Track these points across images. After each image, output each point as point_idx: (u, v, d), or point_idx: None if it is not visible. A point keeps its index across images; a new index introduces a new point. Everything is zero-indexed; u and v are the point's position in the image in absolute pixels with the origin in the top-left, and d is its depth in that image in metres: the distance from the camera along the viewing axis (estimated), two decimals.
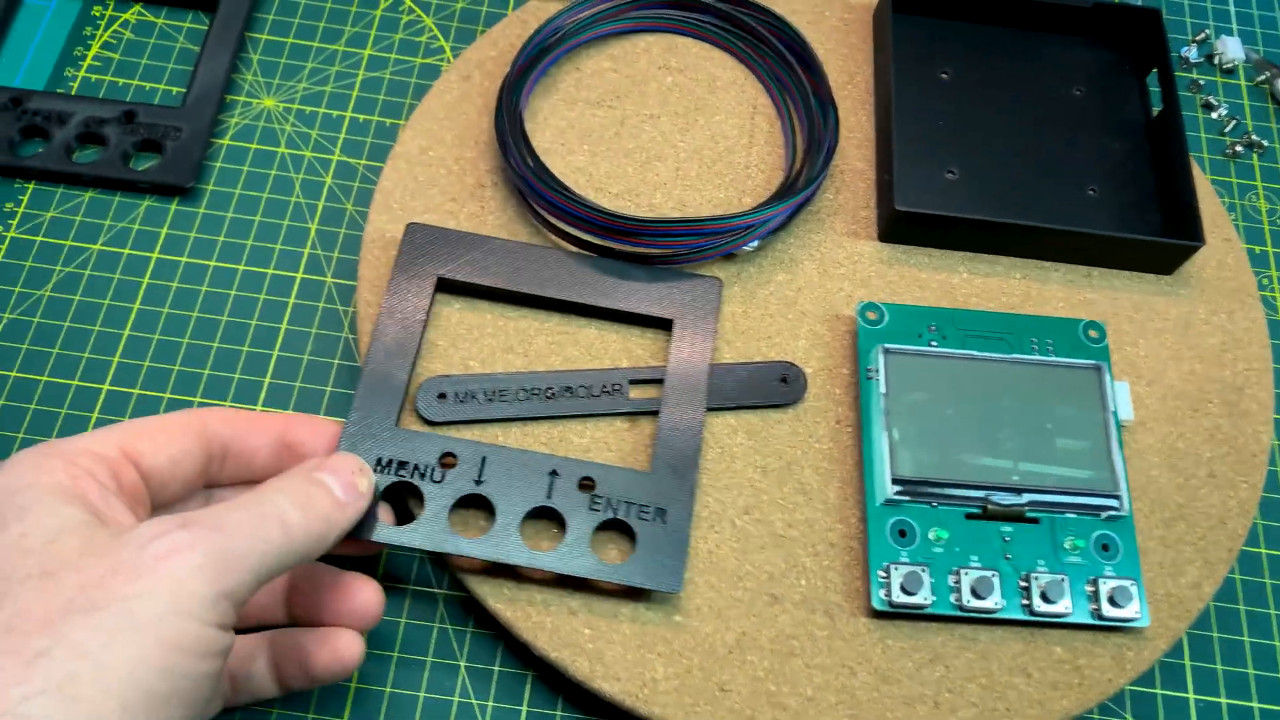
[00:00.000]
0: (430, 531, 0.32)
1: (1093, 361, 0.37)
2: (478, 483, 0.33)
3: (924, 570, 0.33)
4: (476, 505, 0.34)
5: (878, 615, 0.34)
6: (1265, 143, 0.47)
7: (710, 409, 0.36)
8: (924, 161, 0.41)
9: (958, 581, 0.33)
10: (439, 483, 0.33)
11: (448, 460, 0.34)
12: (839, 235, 0.40)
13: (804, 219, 0.40)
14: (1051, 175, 0.42)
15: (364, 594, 0.31)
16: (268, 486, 0.28)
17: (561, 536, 0.33)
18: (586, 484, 0.34)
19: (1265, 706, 0.37)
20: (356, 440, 0.33)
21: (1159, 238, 0.39)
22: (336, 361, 0.39)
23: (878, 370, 0.36)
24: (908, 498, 0.34)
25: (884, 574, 0.33)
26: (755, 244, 0.38)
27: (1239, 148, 0.47)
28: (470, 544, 0.32)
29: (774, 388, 0.37)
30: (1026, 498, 0.34)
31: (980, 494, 0.34)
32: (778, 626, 0.33)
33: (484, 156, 0.40)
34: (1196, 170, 0.42)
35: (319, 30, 0.46)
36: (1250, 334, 0.40)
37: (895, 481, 0.34)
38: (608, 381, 0.36)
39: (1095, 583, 0.34)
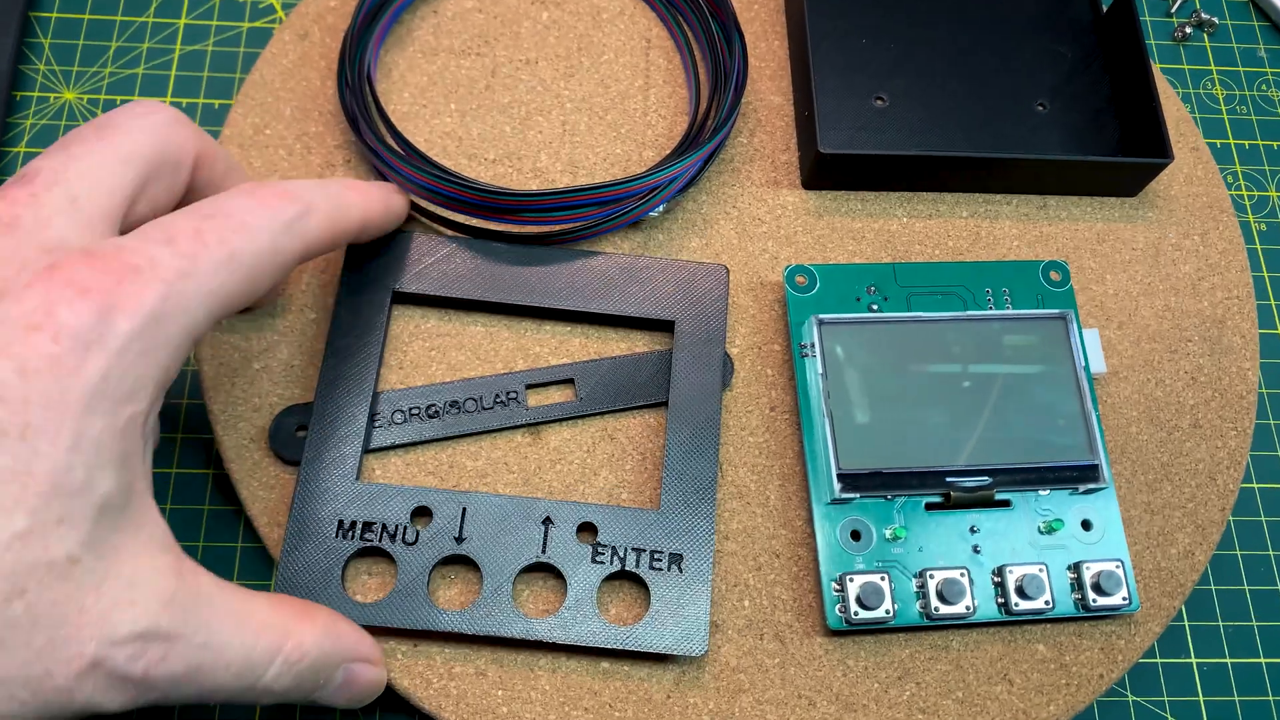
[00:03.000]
0: (407, 605, 0.27)
1: (1057, 310, 0.32)
2: (459, 540, 0.28)
3: (883, 579, 0.29)
4: (456, 563, 0.29)
5: (835, 634, 0.29)
6: (1216, 20, 0.42)
7: (619, 409, 0.31)
8: (848, 90, 0.36)
9: (923, 586, 0.29)
10: (413, 544, 0.28)
11: (421, 516, 0.28)
12: (758, 186, 0.35)
13: (716, 170, 0.35)
14: (994, 91, 0.36)
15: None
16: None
17: (560, 595, 0.28)
18: (586, 530, 0.29)
19: (1273, 660, 0.33)
20: (308, 501, 0.28)
21: (1121, 158, 0.34)
22: (185, 401, 0.33)
23: (812, 345, 0.31)
24: (858, 494, 0.29)
25: (838, 587, 0.29)
26: (661, 208, 0.33)
27: (1188, 29, 0.42)
28: (456, 617, 0.27)
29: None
30: (993, 478, 0.30)
31: (940, 480, 0.30)
32: (721, 659, 0.29)
33: (331, 129, 0.34)
34: (1155, 71, 0.37)
35: (120, 1, 0.38)
36: (1227, 257, 0.35)
37: (841, 478, 0.29)
38: (502, 390, 0.31)
39: (1078, 569, 0.29)
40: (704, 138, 0.33)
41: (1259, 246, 0.39)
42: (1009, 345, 0.31)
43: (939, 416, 0.30)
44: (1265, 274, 0.38)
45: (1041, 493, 0.30)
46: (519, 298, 0.31)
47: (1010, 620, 0.29)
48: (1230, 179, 0.40)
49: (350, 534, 0.28)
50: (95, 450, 0.20)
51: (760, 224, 0.34)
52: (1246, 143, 0.41)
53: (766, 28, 0.37)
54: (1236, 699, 0.33)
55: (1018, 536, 0.30)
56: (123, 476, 0.21)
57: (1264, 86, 0.42)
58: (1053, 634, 0.30)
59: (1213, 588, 0.34)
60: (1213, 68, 0.42)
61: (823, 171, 0.34)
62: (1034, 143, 0.35)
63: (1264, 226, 0.39)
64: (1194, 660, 0.33)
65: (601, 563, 0.28)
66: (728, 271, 0.32)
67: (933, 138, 0.35)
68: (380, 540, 0.28)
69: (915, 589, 0.29)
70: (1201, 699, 0.33)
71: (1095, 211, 0.35)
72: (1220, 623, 0.34)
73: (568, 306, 0.31)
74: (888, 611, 0.28)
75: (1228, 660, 0.33)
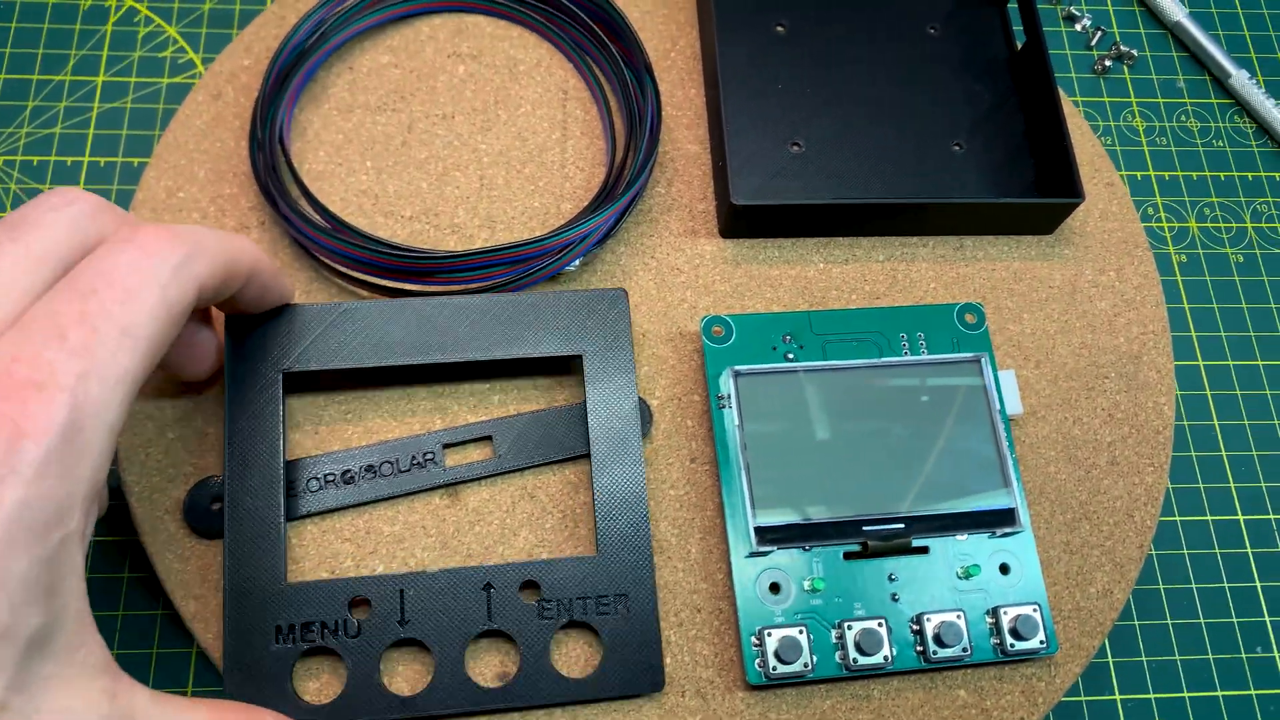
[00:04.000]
0: (363, 699, 0.27)
1: (972, 354, 0.32)
2: (402, 623, 0.28)
3: (801, 632, 0.29)
4: (405, 645, 0.28)
5: (755, 688, 0.29)
6: (1135, 52, 0.42)
7: (542, 463, 0.31)
8: (763, 136, 0.36)
9: (841, 637, 0.29)
10: (356, 636, 0.27)
11: (359, 606, 0.28)
12: (676, 236, 0.35)
13: (634, 220, 0.35)
14: (911, 133, 0.37)
15: None
16: None
17: (513, 658, 0.28)
18: (529, 588, 0.29)
19: (1196, 695, 0.33)
20: (241, 612, 0.27)
21: (1033, 199, 0.34)
22: None
23: (729, 396, 0.31)
24: (775, 546, 0.29)
25: (757, 641, 0.29)
26: (577, 262, 0.33)
27: (1108, 61, 0.42)
28: (414, 702, 0.27)
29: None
30: (910, 525, 0.30)
31: (857, 529, 0.30)
32: (642, 718, 0.29)
33: (246, 191, 0.34)
34: (1069, 107, 0.38)
35: (37, 59, 0.38)
36: (1142, 292, 0.35)
37: (758, 531, 0.29)
38: (418, 451, 0.31)
39: (996, 613, 0.30)
40: (620, 189, 0.33)
41: (1179, 278, 0.39)
42: (924, 390, 0.31)
43: (855, 465, 0.30)
44: (1185, 305, 0.39)
45: (959, 538, 0.30)
46: (419, 356, 0.30)
47: (930, 667, 0.29)
48: (1150, 210, 0.40)
49: (290, 637, 0.27)
50: (21, 588, 0.19)
51: (679, 274, 0.34)
52: (1166, 174, 0.41)
53: (684, 75, 0.37)
54: None
55: (936, 582, 0.30)
56: (52, 605, 0.19)
57: (1183, 117, 0.42)
58: (973, 679, 0.30)
59: (1135, 623, 0.34)
60: (1133, 99, 0.42)
61: (738, 220, 0.34)
62: (951, 184, 0.36)
63: (1184, 258, 0.40)
64: (1118, 697, 0.33)
65: (550, 618, 0.28)
66: (626, 294, 0.31)
67: (850, 182, 0.35)
68: (322, 638, 0.27)
69: (834, 640, 0.29)
70: None
71: (1012, 250, 0.36)
72: (1144, 658, 0.34)
73: (471, 357, 0.30)
74: (806, 665, 0.28)
75: (1151, 696, 0.33)
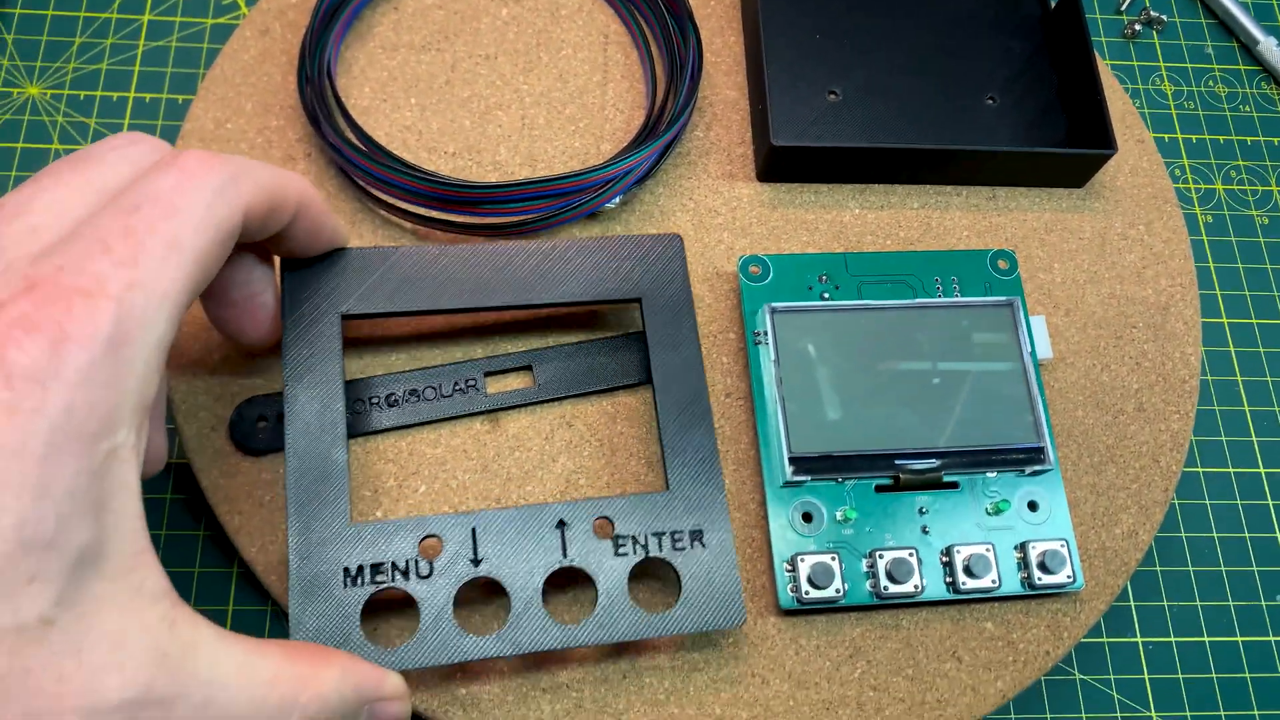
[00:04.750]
0: (439, 641, 0.26)
1: (1005, 298, 0.32)
2: (475, 563, 0.27)
3: (834, 559, 0.29)
4: (476, 589, 0.28)
5: (787, 613, 0.30)
6: (1165, 17, 0.43)
7: (580, 394, 0.32)
8: (801, 84, 0.36)
9: (873, 566, 0.30)
10: (428, 577, 0.27)
11: (429, 546, 0.27)
12: (714, 178, 0.35)
13: (672, 163, 0.35)
14: (945, 86, 0.37)
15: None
16: None
17: (591, 599, 0.28)
18: (603, 526, 0.28)
19: (1216, 639, 0.34)
20: (307, 556, 0.26)
21: (1066, 149, 0.35)
22: None
23: (766, 333, 0.32)
24: (809, 477, 0.30)
25: (790, 567, 0.29)
26: (618, 199, 0.33)
27: (1137, 26, 0.43)
28: (491, 642, 0.26)
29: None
30: (941, 460, 0.30)
31: (890, 463, 0.30)
32: (676, 639, 0.29)
33: (293, 124, 0.34)
34: (1102, 66, 0.38)
35: None
36: (1171, 246, 0.36)
37: (792, 461, 0.30)
38: (461, 378, 0.31)
39: (1024, 548, 0.30)
40: (660, 129, 0.34)
41: (1204, 238, 0.40)
42: (957, 332, 0.32)
43: (888, 401, 0.31)
44: (1211, 264, 0.39)
45: (989, 475, 0.31)
46: (475, 300, 0.29)
47: (958, 599, 0.30)
48: (1177, 172, 0.41)
49: (359, 580, 0.26)
50: (67, 497, 0.18)
51: (716, 215, 0.35)
52: (1194, 137, 0.42)
53: (723, 23, 0.38)
54: (1180, 677, 0.33)
55: (966, 518, 0.31)
56: (103, 521, 0.19)
57: (1210, 83, 0.43)
58: (1000, 612, 0.31)
59: (1158, 569, 0.35)
60: (1161, 64, 0.43)
61: (776, 164, 0.34)
62: (984, 136, 0.36)
63: (1210, 219, 0.40)
64: (1139, 639, 0.34)
65: (625, 554, 0.28)
66: (681, 239, 0.31)
67: (885, 131, 0.36)
68: (393, 579, 0.26)
69: (865, 569, 0.30)
70: (1147, 677, 0.33)
71: (1043, 202, 0.36)
72: (1165, 603, 0.34)
73: (528, 301, 0.30)
74: (838, 590, 0.29)
75: (1172, 639, 0.34)
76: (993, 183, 0.36)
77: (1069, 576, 0.30)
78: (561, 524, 0.28)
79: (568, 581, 0.29)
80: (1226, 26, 0.43)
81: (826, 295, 0.33)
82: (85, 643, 0.18)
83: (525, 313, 0.32)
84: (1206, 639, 0.34)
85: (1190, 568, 0.35)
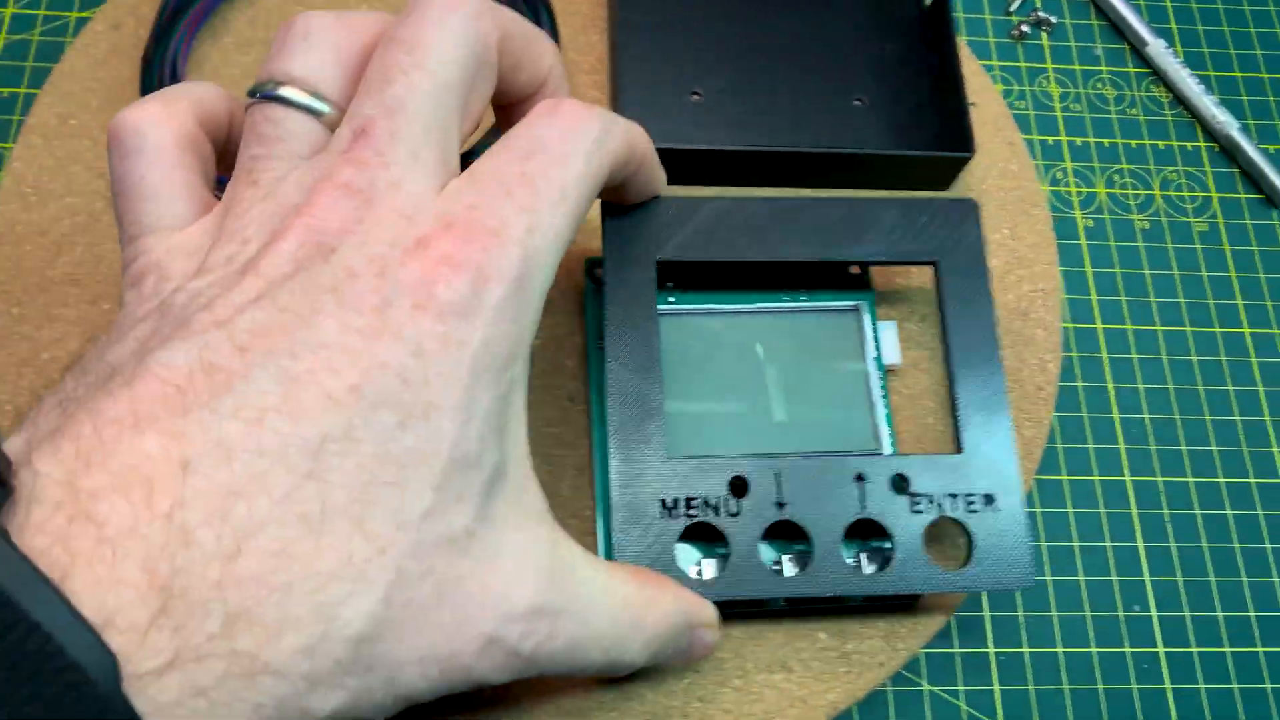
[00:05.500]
0: (747, 576, 0.27)
1: (851, 303, 0.32)
2: (779, 506, 0.28)
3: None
4: (777, 535, 0.29)
5: None
6: (1054, 19, 0.42)
7: None
8: (662, 84, 0.36)
9: (700, 572, 0.29)
10: (736, 515, 0.28)
11: (738, 486, 0.28)
12: None
13: None
14: (813, 87, 0.37)
15: None
16: None
17: (880, 550, 0.28)
18: (899, 483, 0.29)
19: (1069, 650, 0.34)
20: (628, 486, 0.27)
21: (920, 152, 0.34)
22: None
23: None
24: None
25: None
26: None
27: (1025, 27, 0.42)
28: (796, 583, 0.27)
29: None
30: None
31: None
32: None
33: None
34: (975, 66, 0.38)
35: None
36: (1037, 250, 0.36)
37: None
38: None
39: (858, 558, 0.30)
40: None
41: (1083, 242, 0.39)
42: (803, 336, 0.32)
43: (731, 406, 0.31)
44: (1088, 269, 0.39)
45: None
46: (781, 251, 0.30)
47: (793, 608, 0.30)
48: (1059, 175, 0.40)
49: (674, 511, 0.28)
50: (485, 421, 0.20)
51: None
52: (1078, 139, 0.41)
53: (587, 22, 0.37)
54: (1031, 688, 0.33)
55: None
56: (505, 446, 0.21)
57: (1099, 85, 0.42)
58: (836, 622, 0.30)
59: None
60: (1049, 65, 0.42)
61: None
62: (850, 138, 0.36)
63: (1090, 222, 0.40)
64: (991, 650, 0.34)
65: (920, 512, 0.28)
66: (978, 205, 0.31)
67: (747, 133, 0.36)
68: (705, 514, 0.28)
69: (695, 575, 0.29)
70: (997, 687, 0.33)
71: None
72: (1020, 613, 0.34)
73: (832, 255, 0.30)
74: None
75: (1025, 650, 0.34)
76: (854, 186, 0.36)
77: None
78: (860, 478, 0.28)
79: (867, 531, 0.29)
80: (1117, 28, 0.43)
81: (673, 300, 0.32)
82: (497, 556, 0.20)
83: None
84: (1060, 650, 0.34)
85: (1049, 577, 0.35)
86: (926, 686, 0.33)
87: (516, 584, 0.21)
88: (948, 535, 0.30)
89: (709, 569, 0.28)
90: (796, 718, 0.29)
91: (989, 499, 0.29)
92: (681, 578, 0.27)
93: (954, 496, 0.29)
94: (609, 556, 0.29)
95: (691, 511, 0.28)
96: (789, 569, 0.28)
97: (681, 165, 0.34)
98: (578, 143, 0.23)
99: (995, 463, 0.29)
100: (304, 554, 0.18)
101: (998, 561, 0.28)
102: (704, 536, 0.29)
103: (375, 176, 0.21)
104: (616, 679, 0.28)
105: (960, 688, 0.33)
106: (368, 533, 0.18)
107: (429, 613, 0.19)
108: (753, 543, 0.27)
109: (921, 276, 0.35)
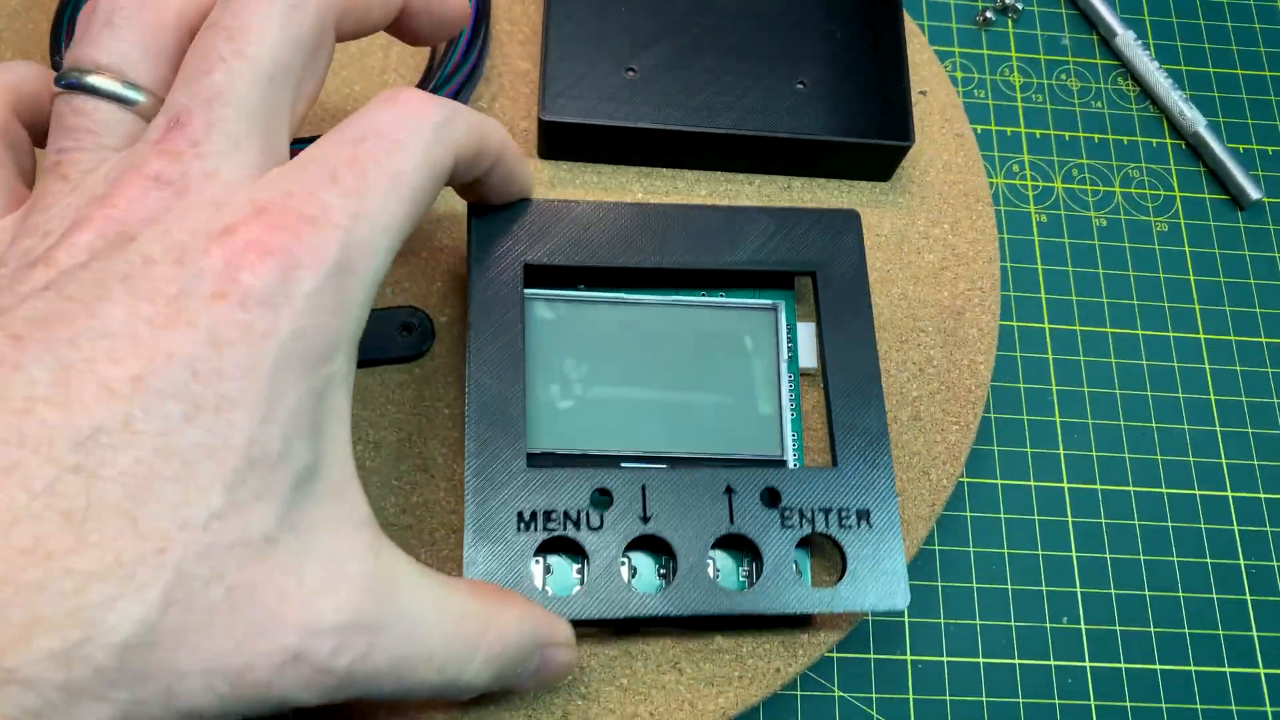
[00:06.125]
0: (608, 594, 0.26)
1: (769, 301, 0.31)
2: (644, 520, 0.27)
3: (538, 561, 0.28)
4: (644, 549, 0.28)
5: None
6: (1020, 5, 0.41)
7: None
8: (595, 58, 0.34)
9: (550, 589, 0.28)
10: (598, 529, 0.27)
11: (602, 498, 0.27)
12: None
13: None
14: (756, 68, 0.35)
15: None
16: None
17: (752, 568, 0.27)
18: (769, 496, 0.28)
19: (991, 660, 0.33)
20: (483, 495, 0.26)
21: (856, 139, 0.33)
22: None
23: None
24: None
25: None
26: None
27: (990, 14, 0.41)
28: (657, 601, 0.26)
29: (393, 339, 0.31)
30: (671, 466, 0.29)
31: (617, 465, 0.29)
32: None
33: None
34: (929, 54, 0.36)
35: None
36: (976, 247, 0.34)
37: (529, 456, 0.28)
38: None
39: (751, 565, 0.29)
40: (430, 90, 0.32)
41: (1036, 238, 0.38)
42: (715, 332, 0.30)
43: (633, 400, 0.29)
44: (1039, 266, 0.38)
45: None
46: (654, 258, 0.29)
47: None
48: (1016, 168, 0.39)
49: (532, 525, 0.27)
50: (291, 419, 0.19)
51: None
52: (1038, 132, 0.40)
53: None
54: (948, 698, 0.32)
55: None
56: (319, 444, 0.20)
57: (1064, 76, 0.41)
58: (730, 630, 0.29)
59: (939, 584, 0.33)
60: (1013, 54, 0.41)
61: (553, 141, 0.33)
62: (789, 123, 0.34)
63: (1044, 218, 0.38)
64: (909, 657, 0.32)
65: (791, 527, 0.27)
66: (859, 216, 0.30)
67: (682, 112, 0.34)
68: (565, 528, 0.27)
69: (574, 573, 0.28)
70: (911, 696, 0.32)
71: (842, 195, 0.34)
72: (942, 620, 0.33)
73: (705, 264, 0.29)
74: (547, 591, 0.28)
75: (944, 659, 0.32)
76: (791, 172, 0.34)
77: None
78: (729, 490, 0.27)
79: (728, 549, 0.29)
80: (1087, 18, 0.41)
81: (583, 286, 0.31)
82: (304, 563, 0.19)
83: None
84: (981, 660, 0.33)
85: (974, 584, 0.33)
86: (838, 693, 0.32)
87: (327, 594, 0.19)
88: (825, 553, 0.29)
89: (565, 586, 0.27)
90: None
91: (864, 515, 0.28)
92: (535, 595, 0.26)
93: (827, 512, 0.28)
94: None
95: (550, 525, 0.26)
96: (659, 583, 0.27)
97: (612, 143, 0.33)
98: (415, 130, 0.22)
99: (872, 479, 0.28)
100: (61, 551, 0.16)
101: (870, 581, 0.27)
102: (564, 551, 0.28)
103: (189, 167, 0.20)
104: (460, 702, 0.27)
105: (873, 695, 0.32)
106: (143, 531, 0.17)
107: (217, 621, 0.18)
108: (614, 558, 0.26)
109: None
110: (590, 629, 0.28)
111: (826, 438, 0.29)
